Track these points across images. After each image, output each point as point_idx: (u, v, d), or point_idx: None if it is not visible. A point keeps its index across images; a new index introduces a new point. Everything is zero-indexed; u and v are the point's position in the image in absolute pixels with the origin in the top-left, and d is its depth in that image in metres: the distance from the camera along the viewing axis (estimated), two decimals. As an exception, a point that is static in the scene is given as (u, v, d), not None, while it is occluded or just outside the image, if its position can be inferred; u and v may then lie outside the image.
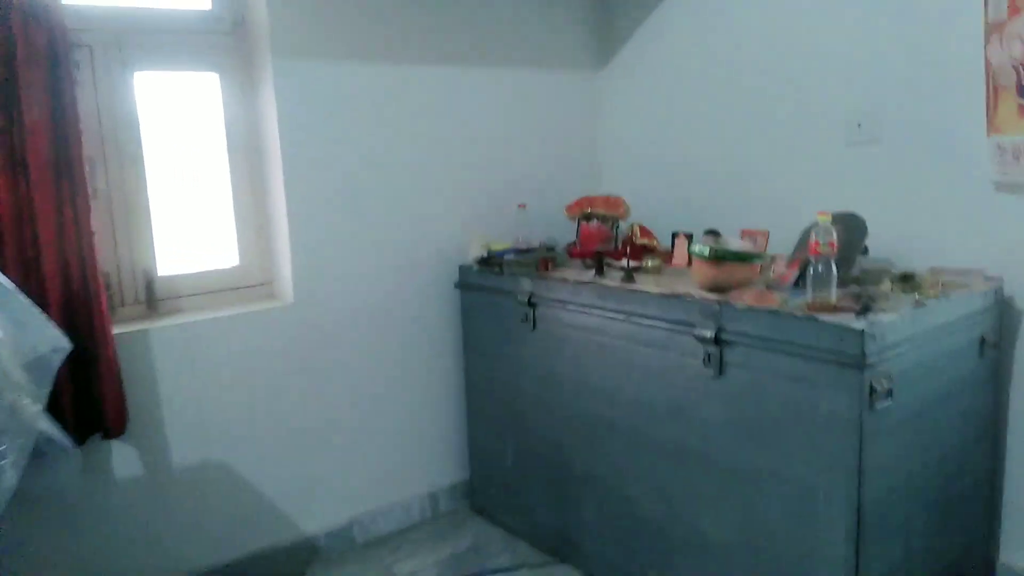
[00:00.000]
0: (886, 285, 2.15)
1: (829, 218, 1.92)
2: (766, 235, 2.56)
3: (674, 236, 2.86)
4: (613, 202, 3.08)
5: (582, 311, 2.51)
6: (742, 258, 2.17)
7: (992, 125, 2.22)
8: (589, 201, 3.12)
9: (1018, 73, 2.13)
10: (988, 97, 2.21)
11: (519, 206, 3.12)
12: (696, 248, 2.18)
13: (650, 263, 2.67)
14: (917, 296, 2.03)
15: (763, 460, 2.02)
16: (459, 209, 3.17)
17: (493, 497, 3.11)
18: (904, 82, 2.46)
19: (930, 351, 1.98)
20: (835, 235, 1.91)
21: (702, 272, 2.19)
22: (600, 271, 2.64)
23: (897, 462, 1.94)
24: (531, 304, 2.71)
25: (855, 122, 2.62)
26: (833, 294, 1.93)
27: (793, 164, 2.82)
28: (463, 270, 3.07)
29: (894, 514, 1.96)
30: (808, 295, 1.97)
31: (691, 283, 2.31)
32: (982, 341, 2.18)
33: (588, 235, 3.09)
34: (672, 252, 2.86)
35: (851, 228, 2.26)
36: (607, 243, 3.06)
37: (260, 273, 2.85)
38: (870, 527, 1.87)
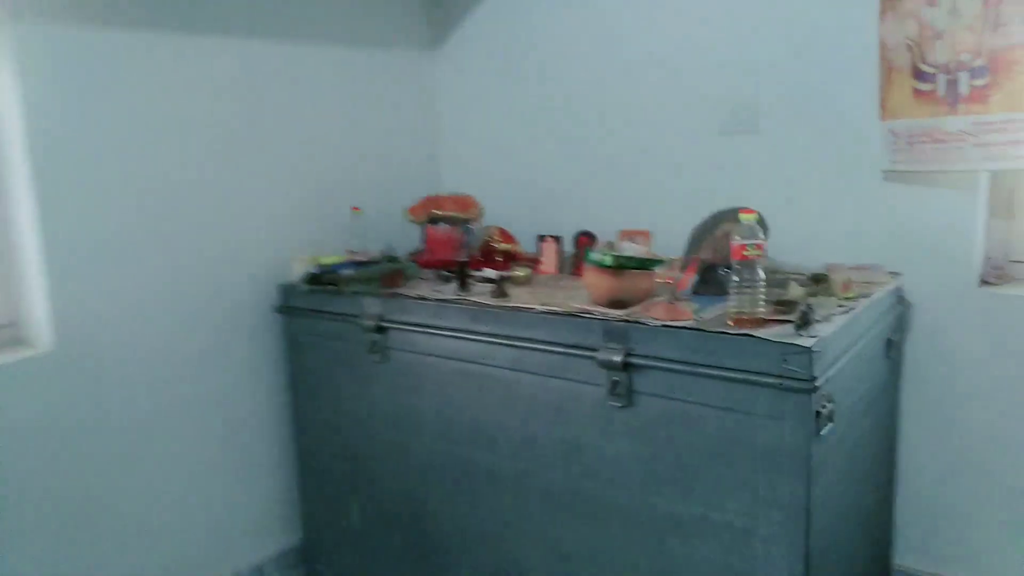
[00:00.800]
0: (795, 289, 1.90)
1: (755, 217, 1.62)
2: (647, 236, 2.25)
3: (540, 239, 2.47)
4: (463, 202, 2.65)
5: (447, 336, 2.05)
6: (646, 265, 1.82)
7: (886, 109, 2.05)
8: (435, 202, 2.66)
9: (913, 53, 1.97)
10: (882, 79, 2.04)
11: (352, 209, 2.59)
12: (595, 256, 1.80)
13: (519, 272, 2.26)
14: (839, 301, 1.79)
15: (684, 505, 1.68)
16: (275, 216, 2.57)
17: (336, 564, 2.55)
18: (786, 64, 2.25)
19: (853, 361, 1.74)
20: (761, 235, 1.61)
21: (600, 284, 1.81)
22: (464, 285, 2.19)
23: (836, 490, 1.68)
24: (380, 330, 2.19)
25: (729, 108, 2.38)
26: (761, 304, 1.62)
27: (661, 156, 2.54)
28: (285, 291, 2.48)
29: (835, 548, 1.70)
30: (731, 305, 1.65)
31: (582, 296, 1.93)
32: (888, 342, 2.00)
33: (437, 241, 2.63)
34: (540, 258, 2.47)
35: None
36: (460, 250, 2.61)
37: (-2, 310, 2.08)
38: (817, 570, 1.59)
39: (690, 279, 1.99)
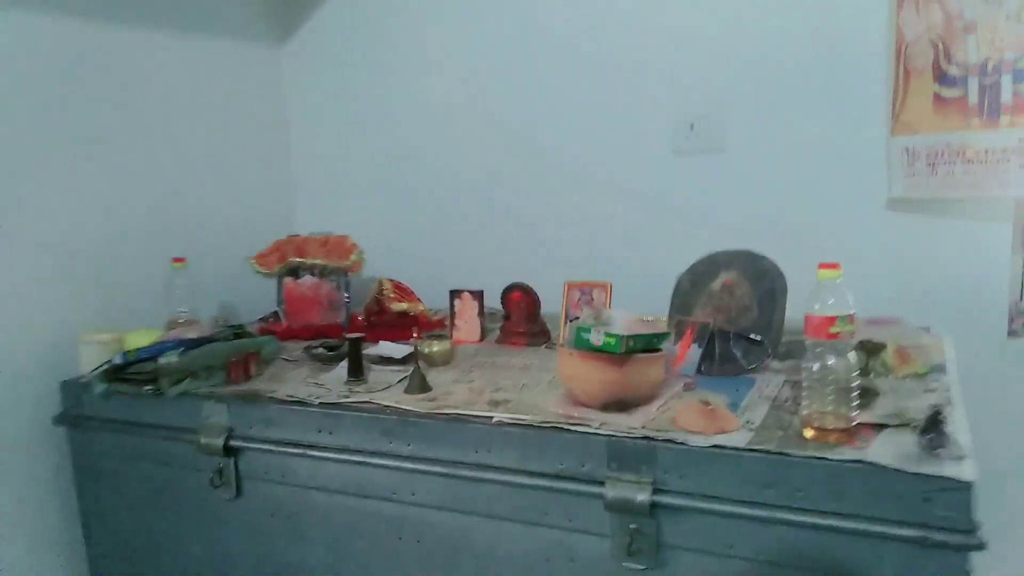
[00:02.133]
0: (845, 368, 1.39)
1: (839, 275, 1.07)
2: (607, 290, 1.67)
3: (454, 296, 1.81)
4: (335, 245, 1.95)
5: (343, 460, 1.34)
6: (655, 346, 1.23)
7: (899, 122, 1.61)
8: (295, 245, 1.94)
9: (937, 51, 1.55)
10: (895, 84, 1.60)
11: (173, 262, 1.80)
12: (589, 335, 1.17)
13: (435, 346, 1.59)
14: (898, 380, 1.30)
15: None
16: (55, 270, 1.72)
17: None
18: (764, 64, 1.77)
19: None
20: (850, 302, 1.07)
21: (594, 376, 1.19)
22: (357, 370, 1.48)
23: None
24: (229, 451, 1.43)
25: (685, 122, 1.87)
26: (852, 406, 1.08)
27: (599, 181, 1.98)
28: (71, 391, 1.63)
29: None
30: (804, 407, 1.10)
31: (549, 387, 1.31)
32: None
33: (301, 301, 1.90)
34: (453, 322, 1.81)
35: (761, 276, 1.47)
36: (335, 312, 1.90)
37: None
38: None
39: (690, 354, 1.42)
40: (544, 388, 1.38)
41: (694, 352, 1.43)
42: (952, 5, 1.52)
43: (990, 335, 1.67)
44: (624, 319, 1.28)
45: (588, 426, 1.16)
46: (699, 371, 1.41)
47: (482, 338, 1.78)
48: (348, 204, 2.32)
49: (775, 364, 1.44)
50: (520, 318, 1.73)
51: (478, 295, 1.78)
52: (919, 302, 1.70)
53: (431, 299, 1.94)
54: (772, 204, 1.81)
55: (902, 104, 1.60)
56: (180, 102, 2.01)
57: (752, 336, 1.42)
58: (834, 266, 1.06)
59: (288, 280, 1.96)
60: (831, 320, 1.05)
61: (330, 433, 1.34)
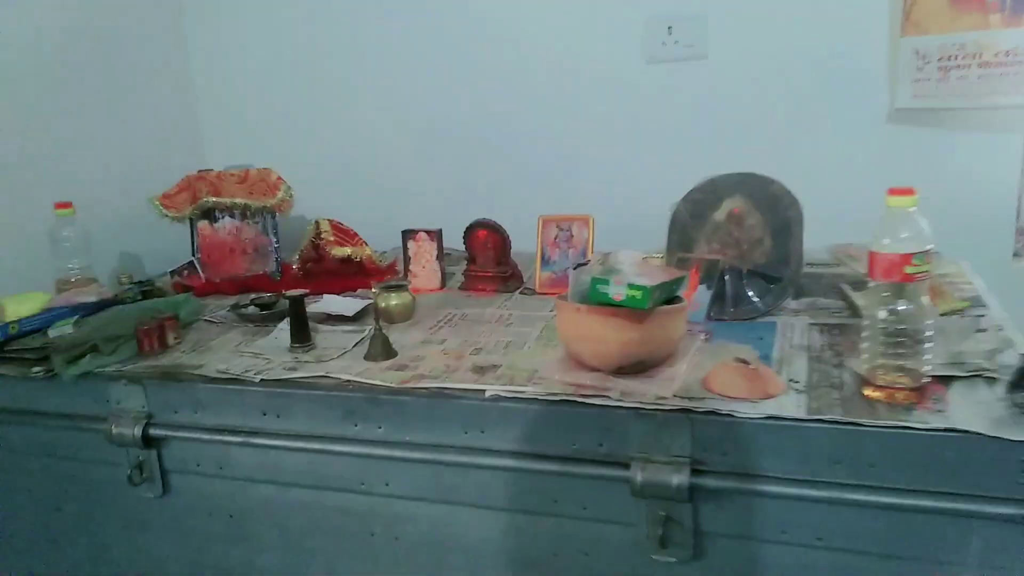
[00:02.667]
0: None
1: (915, 201, 0.88)
2: (589, 223, 1.44)
3: (408, 236, 1.55)
4: (258, 180, 1.65)
5: (295, 448, 1.09)
6: (674, 295, 1.02)
7: (909, 19, 1.42)
8: (209, 183, 1.63)
9: (960, -67, 1.35)
10: (912, -28, 1.40)
11: (57, 208, 1.47)
12: (608, 289, 0.94)
13: (393, 299, 1.34)
14: (961, 317, 1.15)
15: None
16: None
17: None
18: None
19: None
20: (929, 236, 0.88)
21: (610, 335, 0.97)
22: (304, 334, 1.22)
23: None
24: (148, 441, 1.16)
25: (662, 24, 1.63)
26: (926, 360, 0.91)
27: (566, 99, 1.73)
28: (-65, 373, 1.31)
29: None
30: (864, 359, 0.92)
31: (542, 348, 1.09)
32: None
33: (220, 248, 1.61)
34: (406, 268, 1.55)
35: (773, 203, 1.27)
36: (262, 261, 1.62)
37: None
38: None
39: (699, 296, 1.23)
40: (534, 347, 1.16)
41: (701, 294, 1.24)
42: None
43: (994, 257, 1.54)
44: (631, 261, 1.06)
45: (606, 397, 0.95)
46: (709, 316, 1.22)
47: (442, 285, 1.54)
48: (266, 133, 1.98)
49: (791, 304, 1.26)
50: (487, 260, 1.49)
51: (436, 235, 1.53)
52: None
53: (375, 243, 1.67)
54: (760, 118, 1.62)
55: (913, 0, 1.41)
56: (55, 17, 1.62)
57: (769, 273, 1.23)
58: (908, 191, 0.87)
59: (203, 224, 1.65)
60: (906, 258, 0.86)
61: (277, 416, 1.09)
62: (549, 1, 1.69)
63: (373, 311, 1.22)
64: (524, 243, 1.53)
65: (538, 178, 1.77)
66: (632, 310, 0.94)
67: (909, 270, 0.86)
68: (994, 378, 0.93)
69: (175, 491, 1.20)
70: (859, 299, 1.22)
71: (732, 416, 0.89)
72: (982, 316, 1.14)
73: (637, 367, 1.00)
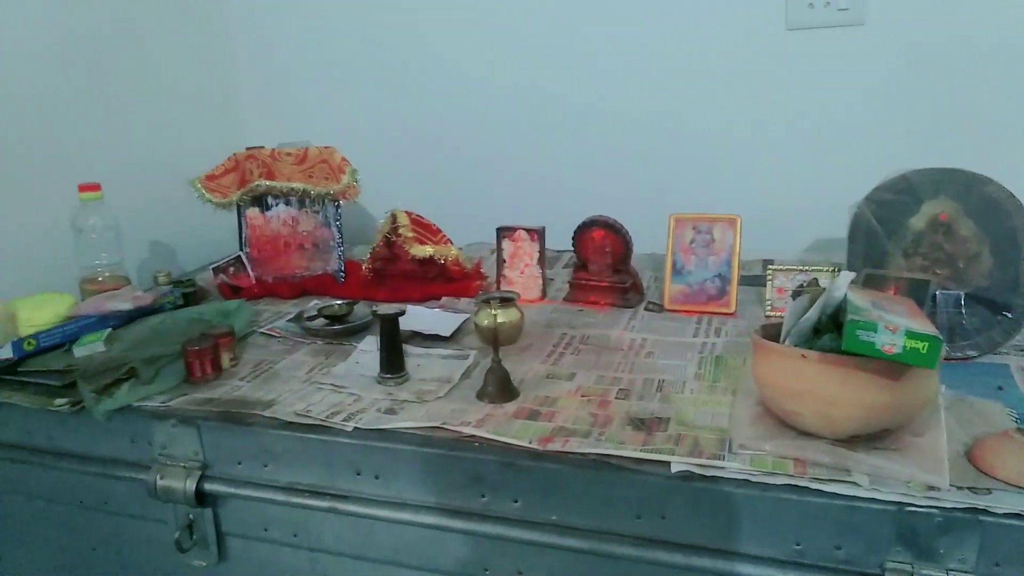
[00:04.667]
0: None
1: None
2: (736, 225, 1.17)
3: (503, 235, 1.28)
4: (320, 162, 1.39)
5: (404, 520, 0.83)
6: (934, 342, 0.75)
7: None
8: (262, 163, 1.37)
9: None
10: None
11: (81, 192, 1.21)
12: (875, 337, 0.67)
13: (500, 315, 1.07)
14: None
15: None
16: None
17: None
18: None
19: None
20: None
21: (854, 397, 0.71)
22: (398, 363, 0.96)
23: None
24: (203, 498, 0.91)
25: (813, -15, 1.35)
26: None
27: (690, 70, 1.45)
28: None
29: None
30: None
31: (748, 405, 0.82)
32: None
33: (273, 242, 1.36)
34: (499, 274, 1.29)
35: (990, 208, 1.00)
36: (324, 257, 1.36)
37: None
38: None
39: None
40: (698, 391, 0.90)
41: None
42: None
43: None
44: (852, 287, 0.79)
45: (851, 483, 0.68)
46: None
47: (543, 295, 1.27)
48: (321, 111, 1.71)
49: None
50: (603, 267, 1.23)
51: (538, 234, 1.26)
52: None
53: (460, 238, 1.41)
54: (934, 98, 1.34)
55: None
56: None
57: (995, 299, 0.96)
58: None
59: (253, 212, 1.39)
60: None
61: (376, 477, 0.83)
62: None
63: (478, 331, 0.96)
64: (646, 247, 1.27)
65: (659, 169, 1.49)
66: (885, 364, 0.68)
67: None
68: None
69: (234, 560, 0.94)
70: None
71: (1037, 520, 0.63)
72: None
73: (876, 436, 0.73)
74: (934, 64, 1.32)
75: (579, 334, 1.11)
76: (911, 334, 0.65)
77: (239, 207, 1.39)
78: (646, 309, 1.20)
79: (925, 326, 0.69)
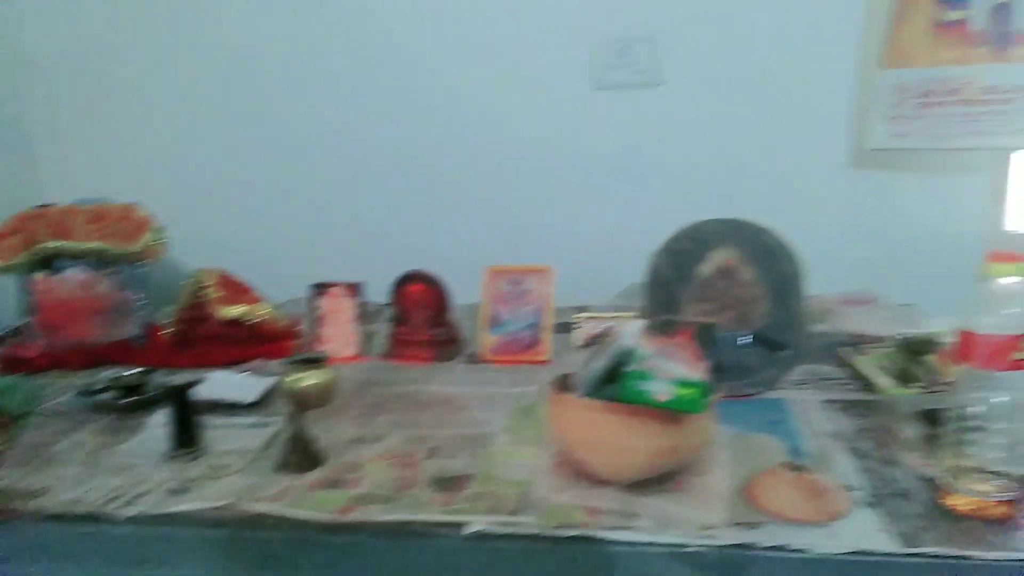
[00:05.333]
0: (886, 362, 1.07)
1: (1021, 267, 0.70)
2: (549, 275, 1.21)
3: (319, 292, 1.25)
4: (118, 219, 1.31)
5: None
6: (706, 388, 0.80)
7: (894, 50, 1.29)
8: (51, 222, 1.28)
9: (942, -41, 1.24)
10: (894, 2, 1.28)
11: None
12: (649, 387, 0.70)
13: (309, 378, 1.04)
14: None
15: None
16: None
17: None
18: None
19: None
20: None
21: (639, 443, 0.73)
22: (190, 436, 0.90)
23: None
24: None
25: (612, 47, 1.44)
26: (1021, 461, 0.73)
27: (505, 126, 1.50)
28: None
29: None
30: (947, 462, 0.74)
31: (545, 456, 0.83)
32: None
33: (64, 308, 1.26)
34: (315, 332, 1.25)
35: (768, 255, 1.09)
36: (122, 322, 1.28)
37: None
38: None
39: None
40: (508, 445, 0.90)
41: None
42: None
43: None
44: (642, 336, 0.83)
45: (636, 528, 0.70)
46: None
47: (362, 352, 1.25)
48: (124, 165, 1.61)
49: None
50: (421, 321, 1.22)
51: (355, 289, 1.24)
52: (882, 271, 1.43)
53: (276, 297, 1.36)
54: (720, 154, 1.45)
55: (899, 28, 1.28)
56: None
57: (773, 338, 1.04)
58: (1014, 257, 0.69)
59: (41, 277, 1.27)
60: (1013, 342, 0.68)
61: (160, 567, 0.77)
62: (483, 21, 1.45)
63: (283, 396, 0.92)
64: (462, 298, 1.28)
65: (478, 221, 1.52)
66: (663, 410, 0.71)
67: (1018, 356, 0.68)
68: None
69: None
70: (866, 367, 1.06)
71: (804, 553, 0.68)
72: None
73: (662, 478, 0.76)
74: (726, 121, 1.43)
75: (394, 392, 1.09)
76: (680, 382, 0.69)
77: (24, 272, 1.27)
78: (464, 362, 1.21)
79: (697, 373, 0.72)
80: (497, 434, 0.93)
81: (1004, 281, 0.69)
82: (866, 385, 1.03)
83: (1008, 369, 0.69)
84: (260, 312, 1.26)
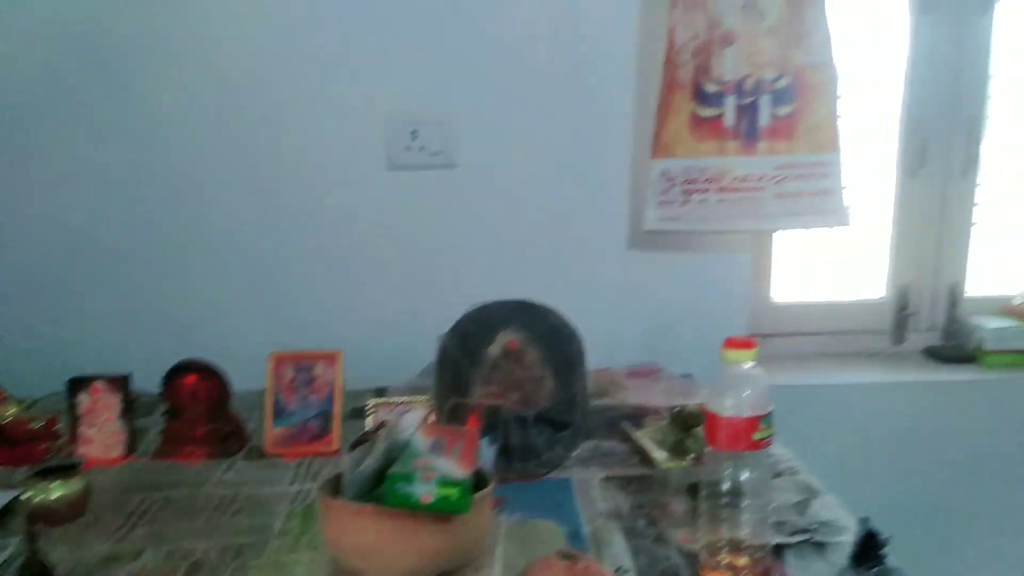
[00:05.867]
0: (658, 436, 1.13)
1: (754, 355, 0.77)
2: (337, 361, 1.17)
3: (77, 388, 1.12)
4: None
5: None
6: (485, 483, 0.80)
7: (660, 142, 1.41)
8: None
9: (698, 61, 1.38)
10: (661, 97, 1.40)
11: None
12: (413, 490, 0.68)
13: (57, 490, 0.92)
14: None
15: None
16: None
17: None
18: (502, 59, 1.44)
19: None
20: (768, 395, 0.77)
21: (411, 545, 0.71)
22: None
23: None
24: None
25: (405, 128, 1.46)
26: (768, 531, 0.79)
27: (294, 203, 1.46)
28: None
29: None
30: (701, 533, 0.78)
31: (319, 564, 0.78)
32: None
33: None
34: (74, 432, 1.12)
35: (551, 336, 1.13)
36: None
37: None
38: None
39: (478, 449, 1.01)
40: (281, 551, 0.84)
41: (484, 449, 1.02)
42: (713, 8, 1.36)
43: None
44: (416, 424, 0.81)
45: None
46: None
47: (129, 452, 1.13)
48: None
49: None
50: (197, 415, 1.13)
51: (120, 383, 1.13)
52: (662, 344, 1.53)
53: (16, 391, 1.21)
54: (512, 235, 1.50)
55: (664, 121, 1.40)
56: None
57: (556, 418, 1.07)
58: (748, 344, 0.75)
59: None
60: (753, 423, 0.74)
61: None
62: (270, 91, 1.42)
63: (23, 512, 0.81)
64: (246, 386, 1.20)
65: (263, 303, 1.45)
66: (449, 512, 0.70)
67: (757, 436, 0.74)
68: (821, 543, 0.84)
69: None
70: (644, 441, 1.11)
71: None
72: (769, 455, 1.08)
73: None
74: (515, 204, 1.48)
75: (162, 497, 1.00)
76: (443, 482, 0.68)
77: None
78: (245, 458, 1.13)
79: (464, 470, 0.72)
80: (272, 540, 0.87)
81: (741, 366, 0.75)
82: (644, 459, 1.08)
83: (750, 449, 0.74)
84: (7, 413, 1.12)
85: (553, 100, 1.46)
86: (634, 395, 1.34)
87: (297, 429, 1.14)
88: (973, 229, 1.65)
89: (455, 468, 0.71)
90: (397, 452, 0.77)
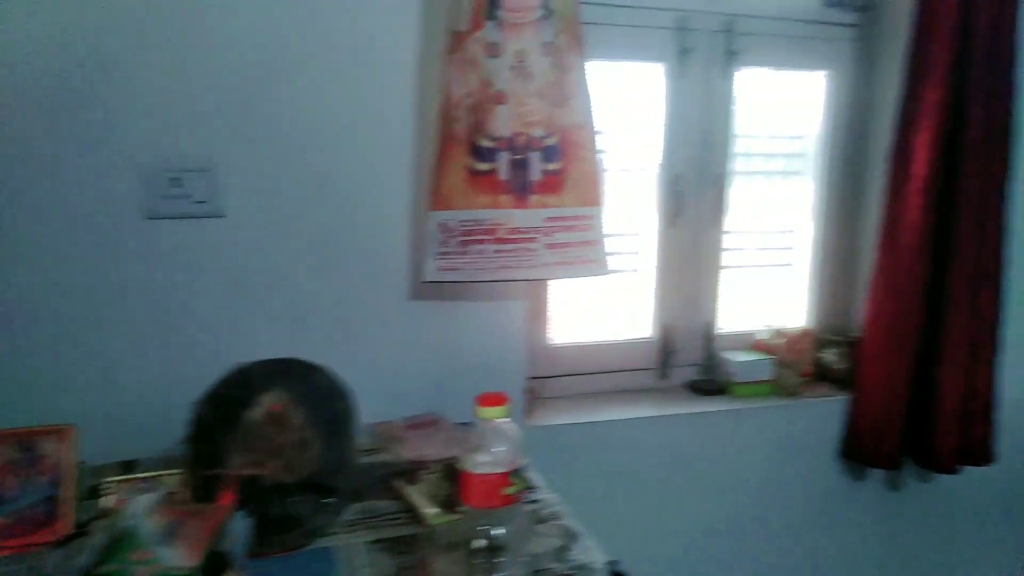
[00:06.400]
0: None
1: (507, 410, 0.78)
2: (68, 437, 1.03)
3: None
4: None
5: None
6: (221, 549, 0.73)
7: (438, 195, 1.43)
8: None
9: (472, 119, 1.41)
10: (438, 151, 1.42)
11: None
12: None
13: None
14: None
15: None
16: None
17: None
18: (276, 99, 1.39)
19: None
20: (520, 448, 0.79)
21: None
22: None
23: None
24: None
25: (164, 174, 1.36)
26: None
27: (40, 257, 1.30)
28: None
29: None
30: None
31: None
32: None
33: None
34: None
35: (318, 396, 1.08)
36: None
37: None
38: None
39: (231, 528, 0.93)
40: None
41: (239, 525, 0.95)
42: (485, 70, 1.40)
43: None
44: (152, 511, 0.73)
45: None
46: (251, 554, 0.93)
47: None
48: None
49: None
50: None
51: None
52: (445, 393, 1.53)
53: None
54: (285, 290, 1.43)
55: (443, 174, 1.41)
56: None
57: (321, 483, 1.01)
58: (499, 400, 0.76)
59: None
60: (503, 479, 0.74)
61: None
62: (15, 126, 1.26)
63: None
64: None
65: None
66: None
67: (509, 491, 0.74)
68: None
69: None
70: (416, 497, 1.09)
71: None
72: (535, 501, 1.10)
73: None
74: (290, 257, 1.42)
75: None
76: (164, 575, 0.61)
77: None
78: (-50, 556, 0.96)
79: (190, 558, 0.65)
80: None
81: (494, 422, 0.75)
82: (415, 517, 1.06)
83: (503, 504, 0.74)
84: None
85: (331, 148, 1.42)
86: (412, 447, 1.31)
87: (18, 517, 0.99)
88: (722, 272, 1.82)
89: (180, 557, 0.64)
90: (117, 543, 0.69)
